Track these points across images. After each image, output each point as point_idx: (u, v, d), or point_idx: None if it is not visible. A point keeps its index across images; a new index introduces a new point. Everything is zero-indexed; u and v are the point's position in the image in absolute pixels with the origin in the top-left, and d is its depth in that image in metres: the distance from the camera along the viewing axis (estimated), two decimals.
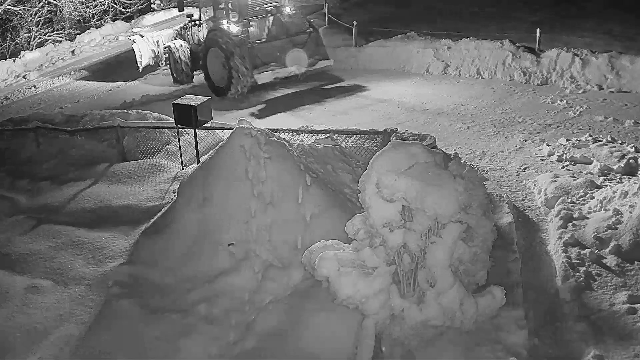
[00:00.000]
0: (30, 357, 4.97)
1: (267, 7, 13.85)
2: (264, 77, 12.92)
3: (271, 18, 13.80)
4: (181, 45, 15.02)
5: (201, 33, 14.81)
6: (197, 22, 15.13)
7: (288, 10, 13.94)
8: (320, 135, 8.04)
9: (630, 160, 8.29)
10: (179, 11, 15.57)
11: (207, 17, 14.87)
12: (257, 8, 13.69)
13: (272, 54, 13.38)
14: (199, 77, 14.90)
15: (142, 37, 16.22)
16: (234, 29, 13.18)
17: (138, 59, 16.18)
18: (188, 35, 15.42)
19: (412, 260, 4.71)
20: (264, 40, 13.53)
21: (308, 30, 13.89)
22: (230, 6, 13.58)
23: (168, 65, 15.66)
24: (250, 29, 13.36)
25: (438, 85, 13.20)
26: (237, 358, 4.76)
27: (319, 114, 12.14)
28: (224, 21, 13.48)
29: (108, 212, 7.21)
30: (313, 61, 13.60)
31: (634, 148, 8.81)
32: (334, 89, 13.72)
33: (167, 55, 15.52)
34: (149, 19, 23.46)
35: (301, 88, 13.73)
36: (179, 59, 14.90)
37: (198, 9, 15.36)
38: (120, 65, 18.24)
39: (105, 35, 22.26)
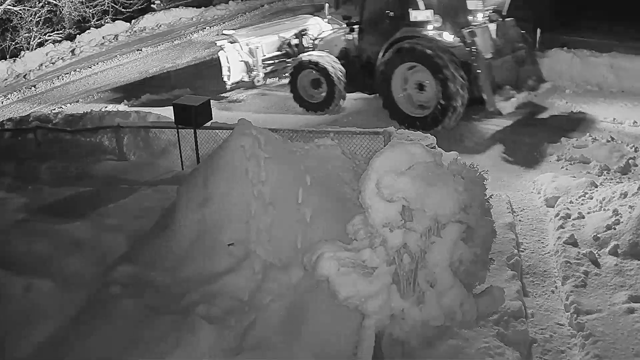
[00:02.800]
0: (30, 358, 4.97)
1: (487, 11, 10.49)
2: (509, 106, 9.69)
3: (493, 26, 10.44)
4: (328, 58, 11.24)
5: (365, 42, 11.14)
6: (357, 27, 11.25)
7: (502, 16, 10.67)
8: (320, 135, 8.05)
9: (630, 160, 8.30)
10: (335, 9, 12.58)
11: (369, 19, 11.11)
12: (476, 13, 10.40)
13: (502, 74, 10.10)
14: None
15: (233, 43, 12.48)
16: (448, 38, 9.83)
17: (225, 72, 12.49)
18: (330, 44, 11.77)
19: (412, 260, 4.71)
20: (491, 56, 10.10)
21: (524, 44, 10.83)
22: (433, 6, 9.92)
23: (289, 82, 11.82)
24: (477, 40, 9.83)
25: None
26: (237, 358, 4.76)
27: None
28: (429, 27, 9.89)
29: (108, 212, 7.21)
30: (534, 84, 10.49)
31: (633, 148, 8.81)
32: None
33: (296, 72, 11.67)
34: (149, 18, 23.49)
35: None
36: (334, 76, 11.06)
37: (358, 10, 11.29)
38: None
39: (105, 35, 22.28)
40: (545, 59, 12.64)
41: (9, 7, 21.46)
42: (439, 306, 4.67)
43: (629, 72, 11.82)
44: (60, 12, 23.16)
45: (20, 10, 21.97)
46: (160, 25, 23.13)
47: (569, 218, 6.78)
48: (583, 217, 6.75)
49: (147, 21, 23.36)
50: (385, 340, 4.73)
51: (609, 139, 9.24)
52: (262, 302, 5.24)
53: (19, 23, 22.26)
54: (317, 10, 20.62)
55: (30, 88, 17.29)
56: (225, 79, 12.59)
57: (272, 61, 12.79)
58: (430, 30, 9.86)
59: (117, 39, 21.89)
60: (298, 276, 5.32)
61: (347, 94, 11.45)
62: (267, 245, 5.61)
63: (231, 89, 12.93)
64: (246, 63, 12.53)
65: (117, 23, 23.43)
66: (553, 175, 8.05)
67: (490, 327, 4.94)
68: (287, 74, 12.07)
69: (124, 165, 8.73)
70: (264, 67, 12.58)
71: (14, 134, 10.72)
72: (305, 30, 12.81)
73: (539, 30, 13.39)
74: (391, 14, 10.50)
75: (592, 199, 7.09)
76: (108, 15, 24.17)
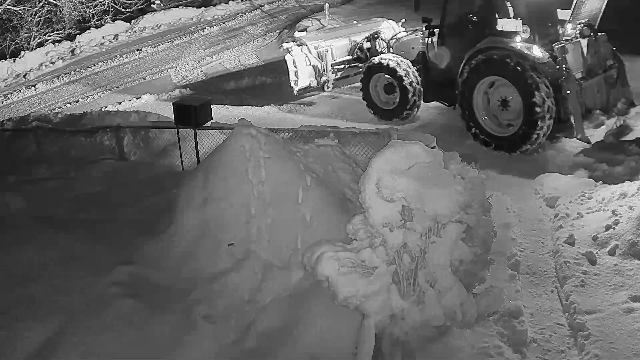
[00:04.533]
0: (30, 358, 4.97)
1: (579, 24, 9.44)
2: (598, 133, 8.97)
3: (585, 42, 9.47)
4: (402, 61, 10.45)
5: (445, 48, 10.24)
6: (437, 31, 10.38)
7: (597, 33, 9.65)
8: (320, 135, 8.04)
9: (630, 161, 8.29)
10: (415, 11, 11.20)
11: (452, 24, 10.21)
12: (566, 25, 9.42)
13: (592, 96, 9.28)
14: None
15: (301, 46, 11.82)
16: (538, 53, 8.79)
17: (292, 77, 11.80)
18: (408, 48, 10.92)
19: (412, 260, 4.72)
20: (582, 76, 9.28)
21: (616, 63, 9.89)
22: (522, 16, 9.06)
23: (362, 87, 11.02)
24: (568, 57, 8.97)
25: None
26: (237, 358, 4.77)
27: None
28: (517, 38, 8.97)
29: (107, 212, 7.21)
30: (623, 108, 9.57)
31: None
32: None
33: (368, 78, 10.88)
34: (149, 18, 23.49)
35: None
36: (405, 82, 10.29)
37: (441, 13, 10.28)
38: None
39: (105, 35, 22.29)
40: None
41: (9, 7, 21.47)
42: (439, 306, 4.68)
43: (628, 72, 11.78)
44: (60, 12, 23.16)
45: (20, 10, 21.97)
46: (160, 25, 23.13)
47: (569, 218, 6.78)
48: (582, 217, 6.76)
49: (147, 21, 23.35)
50: (385, 340, 4.74)
51: (609, 139, 9.22)
52: (262, 302, 5.25)
53: (19, 23, 22.26)
54: (314, 12, 20.69)
55: (30, 88, 17.28)
56: (292, 84, 11.90)
57: (342, 66, 12.22)
58: (518, 43, 8.92)
59: (117, 39, 21.89)
60: (298, 276, 5.33)
61: (425, 103, 10.66)
62: (267, 245, 5.61)
63: (299, 94, 12.26)
64: (315, 67, 11.90)
65: (117, 23, 23.42)
66: (553, 175, 8.04)
67: (490, 327, 4.94)
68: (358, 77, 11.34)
69: (124, 165, 8.73)
70: (333, 72, 12.05)
71: (14, 134, 10.72)
72: (378, 33, 11.98)
73: None
74: (475, 19, 9.69)
75: (591, 199, 7.09)
76: (108, 15, 24.16)
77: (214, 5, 24.65)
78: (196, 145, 8.04)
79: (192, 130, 8.05)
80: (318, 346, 4.64)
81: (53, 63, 19.84)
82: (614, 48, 9.98)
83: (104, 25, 23.21)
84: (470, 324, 4.80)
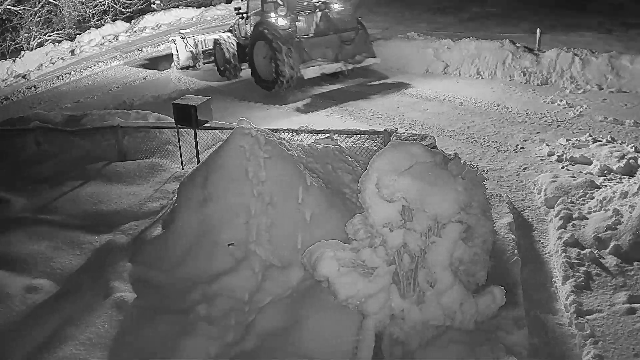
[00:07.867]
0: (30, 358, 4.97)
1: (316, 2, 13.90)
2: (310, 72, 12.93)
3: (319, 13, 13.86)
4: (228, 37, 15.35)
5: (249, 27, 14.97)
6: (244, 16, 15.23)
7: (336, 6, 13.98)
8: (320, 135, 8.05)
9: (630, 161, 8.29)
10: (226, 3, 16.23)
11: (254, 11, 14.87)
12: (306, 3, 13.82)
13: (320, 49, 13.43)
14: (246, 71, 15.17)
15: (183, 38, 16.78)
16: (282, 22, 13.20)
17: (175, 59, 16.98)
18: (236, 28, 15.67)
19: (412, 260, 4.71)
20: (311, 35, 13.57)
21: (356, 28, 13.90)
22: (278, 0, 13.50)
23: (213, 59, 16.00)
24: (298, 24, 13.44)
25: (440, 83, 13.23)
26: (237, 358, 4.76)
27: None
28: (272, 15, 13.40)
29: (108, 212, 7.21)
30: (360, 58, 13.63)
31: (634, 148, 8.80)
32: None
33: (214, 48, 15.75)
34: (149, 18, 23.49)
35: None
36: (226, 51, 15.16)
37: (246, 2, 15.34)
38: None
39: (105, 35, 22.29)
40: (543, 57, 12.74)
41: (9, 7, 21.48)
42: (439, 306, 4.67)
43: (629, 72, 11.81)
44: (60, 12, 23.17)
45: (20, 10, 21.98)
46: (160, 25, 23.13)
47: (570, 218, 6.77)
48: (584, 218, 6.75)
49: (147, 21, 23.37)
50: (385, 340, 4.73)
51: (609, 139, 9.23)
52: (262, 302, 5.24)
53: (19, 23, 22.28)
54: None
55: (30, 88, 17.28)
56: (175, 63, 17.05)
57: (211, 52, 16.59)
58: (272, 17, 13.31)
59: (117, 39, 21.90)
60: (298, 276, 5.32)
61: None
62: (267, 245, 5.61)
63: (181, 69, 16.94)
64: (192, 52, 16.85)
65: (117, 23, 23.45)
66: (553, 175, 8.03)
67: (490, 328, 4.93)
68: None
69: (124, 165, 8.72)
70: (204, 57, 16.92)
71: (14, 134, 10.70)
72: (232, 27, 16.14)
73: (538, 30, 13.44)
74: (259, 5, 14.11)
75: (592, 199, 7.08)
76: (108, 15, 24.18)
77: (214, 6, 24.65)
78: (196, 145, 8.03)
79: (192, 130, 8.03)
80: (318, 346, 4.63)
81: (53, 63, 19.85)
82: (359, 17, 14.20)
83: (104, 25, 23.23)
84: (470, 324, 4.79)
